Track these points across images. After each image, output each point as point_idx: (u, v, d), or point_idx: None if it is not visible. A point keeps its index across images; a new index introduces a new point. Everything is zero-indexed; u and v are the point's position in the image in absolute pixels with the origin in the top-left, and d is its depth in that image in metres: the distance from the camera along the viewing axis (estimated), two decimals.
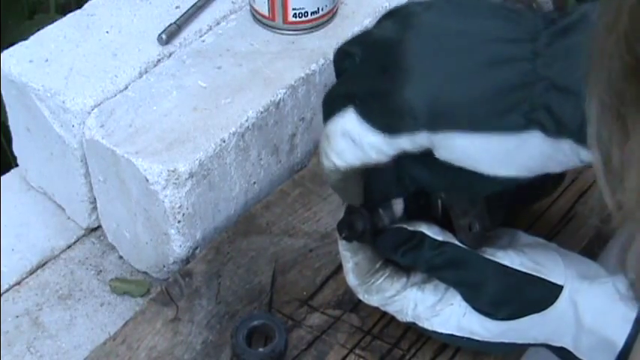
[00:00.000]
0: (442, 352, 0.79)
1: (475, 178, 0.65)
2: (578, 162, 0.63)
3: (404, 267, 0.76)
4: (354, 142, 0.65)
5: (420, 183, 0.69)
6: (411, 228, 0.72)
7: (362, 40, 0.68)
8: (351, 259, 0.75)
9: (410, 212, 0.73)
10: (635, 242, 0.42)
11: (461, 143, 0.63)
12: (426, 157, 0.65)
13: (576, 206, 0.90)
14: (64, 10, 1.25)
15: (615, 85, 0.40)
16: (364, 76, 0.66)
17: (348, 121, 0.65)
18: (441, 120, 0.63)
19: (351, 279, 0.76)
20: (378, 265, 0.75)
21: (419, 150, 0.65)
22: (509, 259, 0.72)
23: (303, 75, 0.91)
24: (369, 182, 0.71)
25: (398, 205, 0.72)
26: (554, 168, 0.65)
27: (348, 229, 0.72)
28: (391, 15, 0.67)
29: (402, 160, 0.67)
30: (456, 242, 0.72)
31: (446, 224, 0.73)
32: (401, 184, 0.70)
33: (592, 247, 0.89)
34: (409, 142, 0.64)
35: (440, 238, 0.72)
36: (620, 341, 0.69)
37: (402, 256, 0.72)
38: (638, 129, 0.39)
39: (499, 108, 0.62)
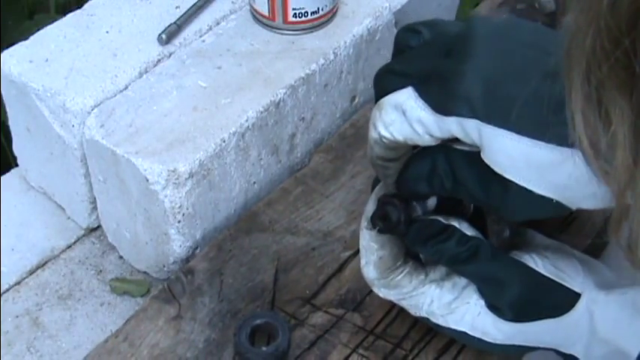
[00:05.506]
0: (445, 352, 0.79)
1: (508, 197, 0.65)
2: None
3: (422, 264, 0.75)
4: (405, 115, 0.66)
5: (451, 187, 0.68)
6: (444, 221, 0.71)
7: (432, 24, 0.70)
8: (376, 252, 0.74)
9: (441, 210, 0.73)
10: (631, 217, 0.44)
11: (506, 145, 0.63)
12: (467, 157, 0.66)
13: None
14: (64, 10, 1.25)
15: (597, 74, 0.42)
16: (427, 57, 0.67)
17: (404, 94, 0.67)
18: (493, 111, 0.63)
19: (371, 272, 0.75)
20: (399, 263, 0.74)
21: (465, 139, 0.65)
22: (533, 262, 0.72)
23: (303, 75, 0.91)
24: (401, 173, 0.71)
25: (431, 200, 0.72)
26: (588, 199, 0.64)
27: (382, 220, 0.72)
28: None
29: (441, 155, 0.67)
30: (483, 239, 0.72)
31: (474, 225, 0.73)
32: (430, 183, 0.69)
33: (593, 247, 0.89)
34: (458, 127, 0.64)
35: (469, 233, 0.71)
36: (635, 353, 0.69)
37: (430, 248, 0.72)
38: (618, 113, 0.43)
39: (550, 118, 0.61)
